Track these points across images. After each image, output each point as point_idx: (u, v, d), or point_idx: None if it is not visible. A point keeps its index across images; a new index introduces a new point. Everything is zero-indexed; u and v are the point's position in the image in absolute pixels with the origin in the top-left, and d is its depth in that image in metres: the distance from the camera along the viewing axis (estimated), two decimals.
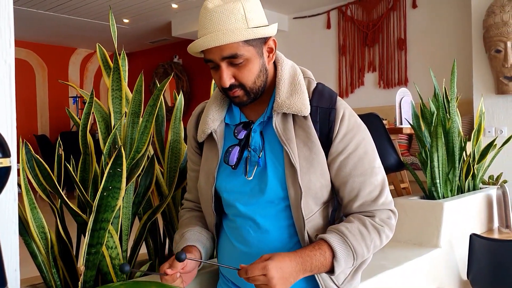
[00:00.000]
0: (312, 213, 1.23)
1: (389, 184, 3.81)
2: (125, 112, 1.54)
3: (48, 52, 8.68)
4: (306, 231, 1.22)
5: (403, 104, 3.98)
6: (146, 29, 7.68)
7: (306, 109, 1.23)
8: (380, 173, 1.27)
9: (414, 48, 5.68)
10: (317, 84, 1.32)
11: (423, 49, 5.60)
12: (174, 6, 6.44)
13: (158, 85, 1.60)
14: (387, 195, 1.27)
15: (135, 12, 6.73)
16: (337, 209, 1.31)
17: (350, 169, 1.24)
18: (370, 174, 1.24)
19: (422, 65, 5.46)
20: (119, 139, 1.49)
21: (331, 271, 1.17)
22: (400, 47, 5.74)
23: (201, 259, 1.31)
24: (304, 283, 1.26)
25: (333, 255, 1.15)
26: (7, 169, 0.74)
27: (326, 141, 1.24)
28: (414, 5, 5.64)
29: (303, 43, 6.58)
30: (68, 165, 1.36)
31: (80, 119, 1.51)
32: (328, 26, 6.36)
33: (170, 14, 6.88)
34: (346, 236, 1.17)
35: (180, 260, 1.10)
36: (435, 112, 3.05)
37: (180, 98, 1.79)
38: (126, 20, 7.12)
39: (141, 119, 1.54)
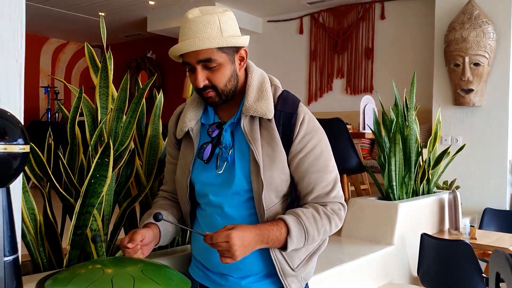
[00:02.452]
0: (272, 204, 1.40)
1: (350, 185, 4.05)
2: (111, 108, 1.68)
3: None
4: (266, 220, 1.39)
5: (367, 110, 4.22)
6: (122, 23, 7.72)
7: (270, 113, 1.41)
8: (333, 171, 1.45)
9: (380, 57, 5.94)
10: (282, 91, 1.49)
11: (388, 59, 5.86)
12: (151, 2, 6.52)
13: (140, 83, 1.75)
14: (338, 190, 1.45)
15: (112, 6, 6.78)
16: (295, 201, 1.48)
17: (307, 166, 1.41)
18: (324, 171, 1.42)
19: (387, 74, 5.72)
20: (104, 132, 1.63)
21: (284, 247, 1.33)
22: (368, 56, 6.00)
23: (160, 237, 1.42)
24: (262, 265, 1.42)
25: (288, 232, 1.32)
26: (27, 154, 0.89)
27: (287, 141, 1.42)
28: (383, 17, 5.91)
29: (276, 46, 6.77)
30: (60, 154, 1.50)
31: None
32: (301, 31, 6.57)
33: (146, 10, 6.95)
34: (301, 218, 1.34)
35: (157, 220, 1.24)
36: (395, 119, 3.28)
37: (160, 97, 1.94)
38: (102, 14, 7.16)
39: (124, 116, 1.69)
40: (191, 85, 1.95)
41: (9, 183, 0.90)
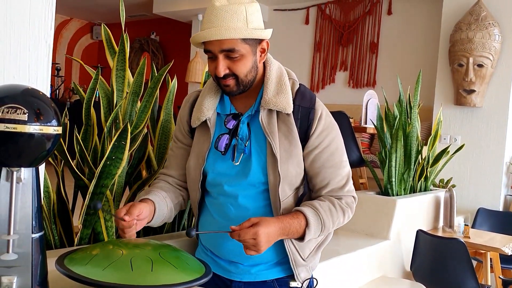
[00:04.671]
0: (286, 196, 1.44)
1: None
2: (127, 91, 1.70)
3: None
4: (281, 211, 1.43)
5: (370, 105, 4.24)
6: (127, 2, 7.66)
7: (289, 108, 1.43)
8: (346, 166, 1.50)
9: (384, 53, 5.95)
10: (300, 85, 1.51)
11: (393, 55, 5.88)
12: None
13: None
14: (351, 184, 1.51)
15: None
16: (306, 193, 1.51)
17: (323, 161, 1.45)
18: (339, 167, 1.47)
19: (390, 70, 5.74)
20: (120, 115, 1.66)
21: (301, 238, 1.39)
22: (372, 51, 6.01)
23: (153, 216, 1.38)
24: (274, 254, 1.47)
25: (307, 224, 1.37)
26: (59, 136, 0.92)
27: (304, 136, 1.45)
28: (390, 12, 5.91)
29: (281, 35, 6.74)
30: (78, 135, 1.52)
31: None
32: (307, 22, 6.57)
33: None
34: (319, 210, 1.39)
35: (190, 236, 1.22)
36: (398, 116, 3.32)
37: (174, 83, 1.96)
38: None
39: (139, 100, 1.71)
40: (204, 71, 1.97)
41: (40, 163, 0.93)
